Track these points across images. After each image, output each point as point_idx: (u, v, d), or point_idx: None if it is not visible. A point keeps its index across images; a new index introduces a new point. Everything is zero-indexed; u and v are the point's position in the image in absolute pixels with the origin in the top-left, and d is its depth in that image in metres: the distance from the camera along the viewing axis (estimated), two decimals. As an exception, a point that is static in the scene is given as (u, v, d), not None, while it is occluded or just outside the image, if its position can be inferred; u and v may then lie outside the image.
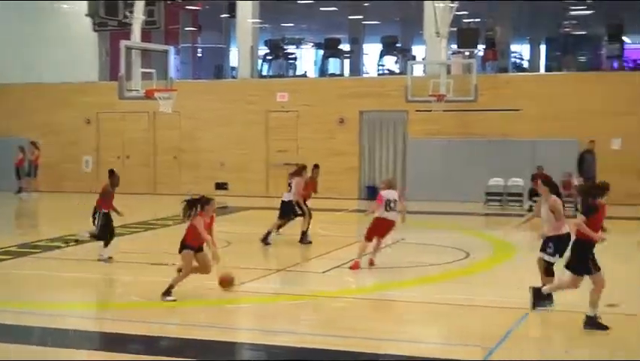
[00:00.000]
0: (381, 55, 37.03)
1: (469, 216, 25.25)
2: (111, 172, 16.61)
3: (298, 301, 13.10)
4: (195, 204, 12.66)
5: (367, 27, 38.70)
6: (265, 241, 18.43)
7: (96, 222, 16.16)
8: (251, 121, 31.78)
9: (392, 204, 15.55)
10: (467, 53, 31.42)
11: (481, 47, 33.28)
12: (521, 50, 40.78)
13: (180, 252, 12.72)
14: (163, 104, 19.73)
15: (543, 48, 38.67)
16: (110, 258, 16.16)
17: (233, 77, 35.21)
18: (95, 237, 16.36)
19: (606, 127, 27.46)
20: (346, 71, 36.86)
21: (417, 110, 29.38)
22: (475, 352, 9.83)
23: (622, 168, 26.23)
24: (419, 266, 15.81)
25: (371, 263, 15.64)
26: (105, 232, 16.13)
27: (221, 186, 29.22)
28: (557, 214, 12.15)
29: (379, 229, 15.67)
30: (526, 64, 39.07)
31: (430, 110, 28.05)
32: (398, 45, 37.35)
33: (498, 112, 28.87)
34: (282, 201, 19.06)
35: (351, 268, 15.46)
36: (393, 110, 30.20)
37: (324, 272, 15.49)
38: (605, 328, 10.87)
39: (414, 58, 35.41)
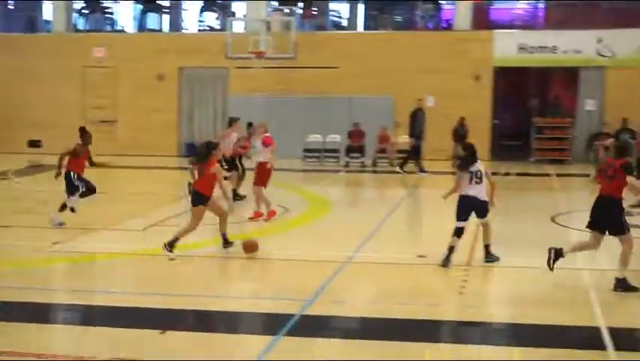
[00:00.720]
0: (202, 11, 36.60)
1: (288, 173, 25.57)
2: (83, 130, 15.67)
3: (117, 260, 12.95)
4: (211, 148, 12.59)
5: (187, -18, 38.26)
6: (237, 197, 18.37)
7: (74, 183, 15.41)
8: (66, 77, 30.88)
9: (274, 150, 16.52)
10: (287, 11, 31.58)
11: (300, 4, 33.48)
12: (340, 8, 41.24)
13: (197, 204, 12.60)
14: (-30, 58, 18.94)
15: (361, 7, 39.25)
16: (73, 209, 15.55)
17: (48, 32, 33.97)
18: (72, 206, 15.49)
19: (420, 85, 28.38)
20: (165, 27, 36.26)
21: (237, 67, 29.43)
22: (291, 306, 10.01)
23: (435, 124, 27.20)
24: (238, 222, 15.91)
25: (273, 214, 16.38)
26: (72, 190, 15.35)
27: (34, 143, 28.27)
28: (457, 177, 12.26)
29: (269, 173, 16.49)
30: (345, 22, 39.56)
31: (250, 67, 28.14)
32: (218, 1, 37.03)
33: (317, 69, 29.28)
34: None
35: (265, 219, 16.23)
36: (213, 66, 30.10)
37: (144, 230, 15.36)
38: (635, 289, 10.53)
39: (234, 14, 35.22)
